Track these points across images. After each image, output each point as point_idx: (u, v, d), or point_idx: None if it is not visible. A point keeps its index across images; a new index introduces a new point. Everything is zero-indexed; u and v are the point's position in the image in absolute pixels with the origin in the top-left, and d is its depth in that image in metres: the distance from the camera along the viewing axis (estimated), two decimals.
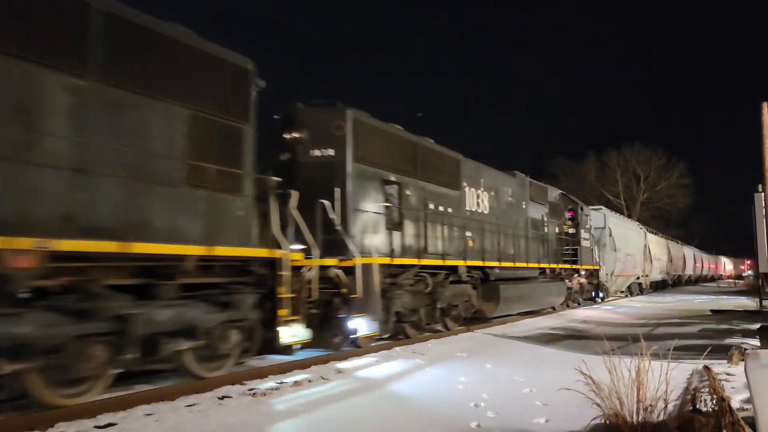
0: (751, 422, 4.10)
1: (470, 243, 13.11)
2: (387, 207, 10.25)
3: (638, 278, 30.75)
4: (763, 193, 10.00)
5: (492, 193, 14.57)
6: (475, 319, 13.59)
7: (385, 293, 9.74)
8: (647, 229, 35.18)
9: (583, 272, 20.78)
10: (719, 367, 7.31)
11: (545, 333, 12.72)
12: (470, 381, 7.17)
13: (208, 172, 6.58)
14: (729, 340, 10.48)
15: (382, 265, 9.66)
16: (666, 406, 4.34)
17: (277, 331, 7.43)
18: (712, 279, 63.71)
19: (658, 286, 37.73)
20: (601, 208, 26.13)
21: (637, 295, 30.65)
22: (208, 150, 6.74)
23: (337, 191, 9.23)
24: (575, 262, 19.83)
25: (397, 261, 10.26)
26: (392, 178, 10.56)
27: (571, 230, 20.22)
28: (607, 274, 24.41)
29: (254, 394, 6.33)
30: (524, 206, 16.55)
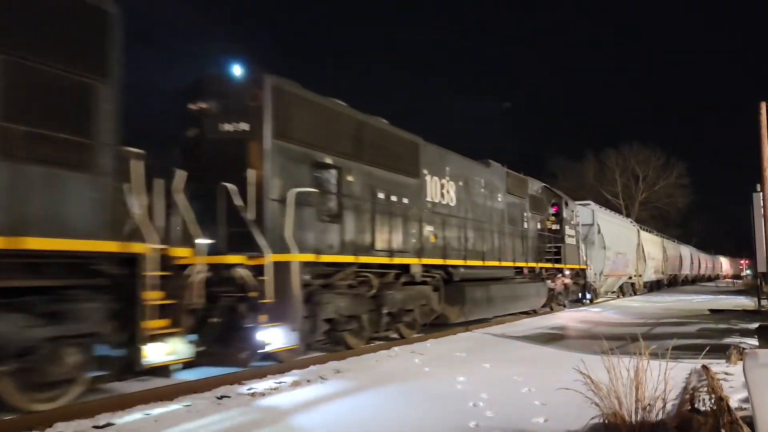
0: (750, 421, 4.10)
1: (432, 239, 11.59)
2: (320, 194, 8.63)
3: (631, 278, 29.38)
4: (761, 193, 10.01)
5: (460, 184, 12.92)
6: (476, 322, 13.15)
7: (311, 297, 8.19)
8: (641, 227, 33.79)
9: (567, 272, 19.10)
10: (718, 366, 7.31)
11: (544, 333, 12.72)
12: (469, 380, 7.17)
13: (31, 140, 5.01)
14: (727, 340, 10.49)
15: (307, 264, 8.08)
16: (665, 406, 4.34)
17: (139, 349, 5.79)
18: (711, 279, 63.76)
19: (653, 287, 36.56)
20: (589, 204, 24.65)
21: (630, 295, 29.43)
22: (37, 111, 5.18)
23: (251, 173, 7.68)
24: (559, 261, 18.15)
25: (326, 258, 8.54)
26: (328, 160, 8.95)
27: (555, 226, 18.58)
28: (595, 274, 22.79)
29: (253, 393, 6.32)
30: (500, 199, 14.82)
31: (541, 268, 16.90)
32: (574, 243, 19.80)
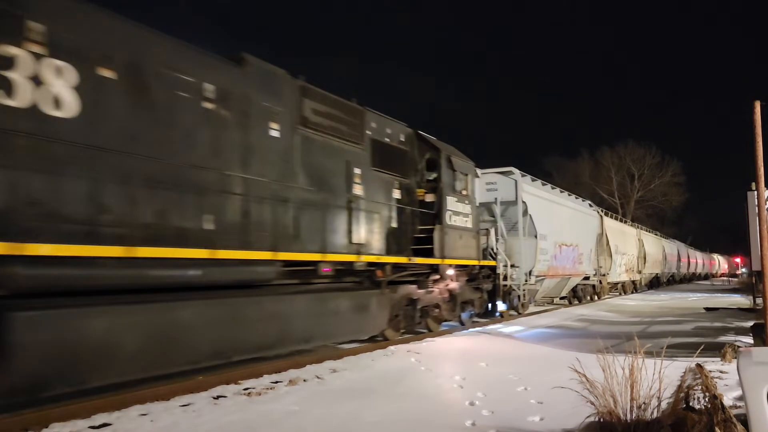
0: (744, 419, 4.12)
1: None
2: None
3: (589, 278, 22.09)
4: (756, 192, 10.05)
5: (103, 74, 5.72)
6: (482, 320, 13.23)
7: None
8: (604, 212, 26.27)
9: (452, 271, 11.86)
10: (712, 364, 7.35)
11: (540, 331, 12.76)
12: (465, 380, 7.19)
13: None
14: (722, 338, 10.53)
15: None
16: (659, 404, 4.37)
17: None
18: (706, 277, 64.00)
19: (634, 288, 31.12)
20: (511, 171, 16.21)
21: (589, 302, 22.54)
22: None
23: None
24: (430, 254, 11.00)
25: None
26: None
27: (430, 197, 11.51)
28: (525, 274, 15.76)
29: (249, 393, 6.32)
30: (276, 133, 7.84)
31: (368, 263, 9.39)
32: (470, 227, 12.62)
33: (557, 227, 18.26)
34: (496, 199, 15.92)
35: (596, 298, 23.69)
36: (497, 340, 11.32)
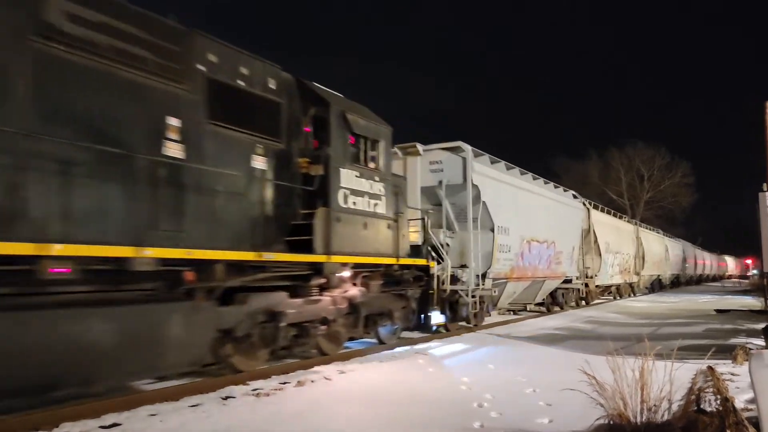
0: (755, 422, 4.09)
1: None
2: None
3: (570, 282, 19.03)
4: (767, 192, 9.97)
5: None
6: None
7: None
8: (589, 204, 22.28)
9: (348, 273, 8.72)
10: (724, 367, 7.29)
11: (549, 333, 12.70)
12: (473, 381, 7.17)
13: None
14: (733, 340, 10.45)
15: None
16: (670, 406, 4.34)
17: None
18: (716, 279, 63.53)
19: (632, 292, 28.34)
20: (459, 147, 13.00)
21: (576, 308, 19.72)
22: None
23: None
24: (308, 247, 7.88)
25: None
26: None
27: (317, 170, 8.24)
28: (477, 276, 12.67)
29: (258, 394, 6.34)
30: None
31: (220, 264, 6.62)
32: (382, 212, 9.37)
33: (524, 219, 14.98)
34: (440, 182, 12.90)
35: (583, 303, 20.85)
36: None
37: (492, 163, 14.46)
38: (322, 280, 8.22)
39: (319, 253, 7.95)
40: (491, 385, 6.91)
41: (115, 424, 5.16)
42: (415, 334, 11.31)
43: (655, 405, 4.30)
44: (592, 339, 11.09)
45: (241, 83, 7.40)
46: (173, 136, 6.37)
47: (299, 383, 6.86)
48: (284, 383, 6.89)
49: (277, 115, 7.94)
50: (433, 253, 11.56)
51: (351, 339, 9.59)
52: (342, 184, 8.52)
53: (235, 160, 7.19)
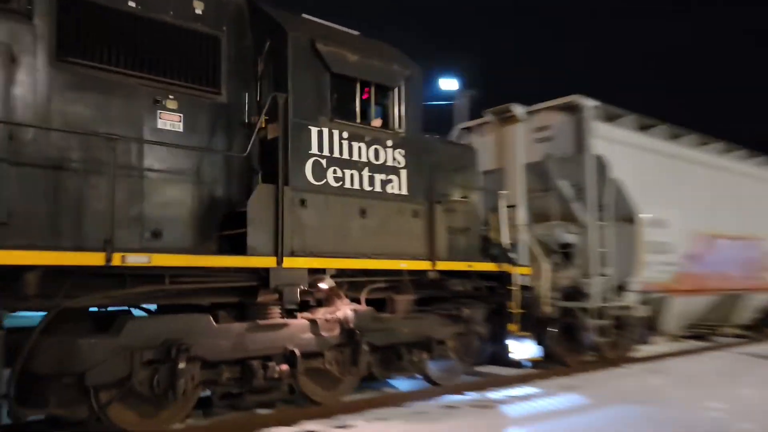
0: None
1: None
2: None
3: None
4: None
5: None
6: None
7: None
8: None
9: (325, 285, 5.96)
10: None
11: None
12: (725, 408, 5.99)
13: None
14: None
15: None
16: None
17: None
18: None
19: None
20: (575, 104, 9.42)
21: None
22: None
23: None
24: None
25: None
26: None
27: (274, 131, 5.86)
28: (612, 287, 9.18)
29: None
30: None
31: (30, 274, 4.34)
32: (396, 192, 6.68)
33: (697, 205, 10.56)
34: (548, 155, 9.47)
35: None
36: None
37: (641, 128, 10.34)
38: (272, 297, 5.50)
39: (259, 253, 5.30)
40: (751, 413, 5.25)
41: None
42: (503, 370, 8.02)
43: None
44: None
45: (133, 5, 5.22)
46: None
47: (528, 396, 5.49)
48: (517, 395, 5.62)
49: (211, 54, 5.69)
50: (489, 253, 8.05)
51: (371, 379, 6.64)
52: (313, 150, 5.89)
53: (124, 120, 5.08)
